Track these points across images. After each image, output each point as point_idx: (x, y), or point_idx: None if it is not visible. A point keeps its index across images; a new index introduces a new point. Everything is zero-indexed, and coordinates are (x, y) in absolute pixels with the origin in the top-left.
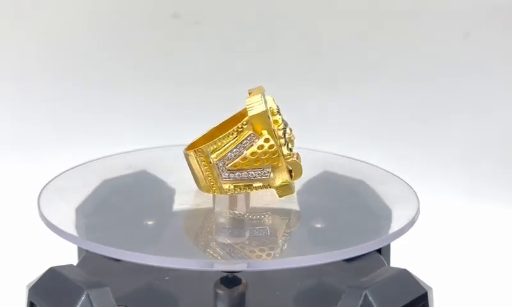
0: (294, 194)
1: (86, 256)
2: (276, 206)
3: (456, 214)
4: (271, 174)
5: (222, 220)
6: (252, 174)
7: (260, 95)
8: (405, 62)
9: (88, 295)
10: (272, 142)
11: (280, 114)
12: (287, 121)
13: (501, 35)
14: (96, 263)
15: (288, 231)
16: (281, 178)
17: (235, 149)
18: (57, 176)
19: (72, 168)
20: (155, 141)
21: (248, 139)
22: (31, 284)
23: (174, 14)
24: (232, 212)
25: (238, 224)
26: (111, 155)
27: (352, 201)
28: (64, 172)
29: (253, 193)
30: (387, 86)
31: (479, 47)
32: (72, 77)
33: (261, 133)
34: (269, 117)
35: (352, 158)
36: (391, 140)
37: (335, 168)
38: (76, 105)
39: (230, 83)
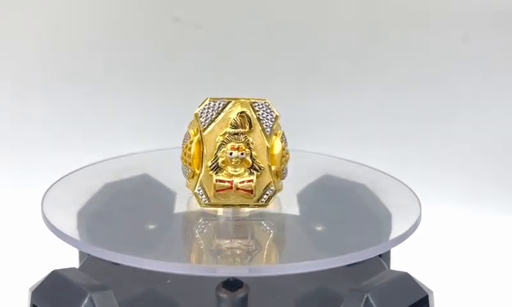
0: (295, 198)
1: (87, 260)
2: (278, 210)
3: (456, 218)
4: (192, 177)
5: (223, 224)
6: (185, 171)
7: (207, 99)
8: (405, 67)
9: (91, 298)
10: (191, 146)
11: (236, 129)
12: (252, 145)
13: (501, 39)
14: (98, 267)
15: (290, 236)
16: (194, 184)
17: (183, 143)
18: (59, 180)
19: (74, 172)
20: (156, 144)
21: (186, 136)
22: (34, 287)
23: (175, 18)
24: (233, 216)
25: (240, 228)
26: (112, 159)
27: (353, 205)
28: (66, 175)
29: None
30: (388, 89)
31: (479, 50)
32: (73, 80)
33: None
34: (201, 122)
35: (353, 162)
36: (391, 144)
37: (336, 172)
38: (77, 109)
39: (231, 85)
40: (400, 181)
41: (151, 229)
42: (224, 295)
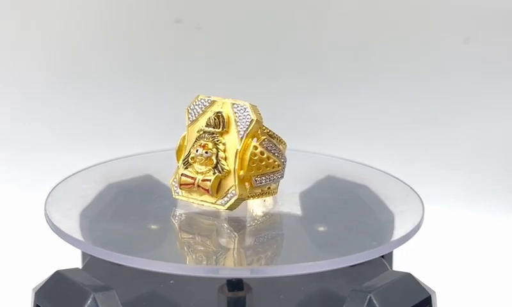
0: (298, 199)
1: (90, 260)
2: (279, 211)
3: (459, 219)
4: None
5: (226, 225)
6: None
7: (198, 96)
8: (406, 68)
9: (94, 299)
10: (178, 140)
11: (210, 127)
12: (219, 147)
13: (501, 39)
14: (101, 267)
15: (292, 236)
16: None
17: None
18: (62, 181)
19: (77, 172)
20: (159, 145)
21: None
22: (37, 288)
23: (176, 19)
24: (235, 217)
25: (242, 229)
26: (115, 159)
27: (356, 206)
28: (69, 177)
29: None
30: (389, 90)
31: (480, 51)
32: (73, 81)
33: None
34: (188, 118)
35: (355, 162)
36: (392, 144)
37: (339, 172)
38: (80, 109)
39: (231, 86)
40: (402, 182)
41: (154, 230)
42: (226, 295)
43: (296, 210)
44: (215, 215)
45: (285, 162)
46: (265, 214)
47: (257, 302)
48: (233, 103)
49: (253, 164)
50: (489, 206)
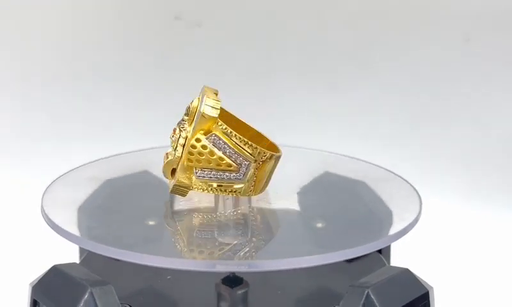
0: (295, 195)
1: (88, 255)
2: (277, 206)
3: (457, 214)
4: None
5: (223, 220)
6: None
7: (203, 86)
8: (406, 66)
9: (91, 293)
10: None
11: (183, 115)
12: (183, 126)
13: (502, 39)
14: (98, 263)
15: (290, 232)
16: None
17: None
18: (60, 176)
19: (75, 168)
20: (157, 141)
21: None
22: (34, 282)
23: (176, 17)
24: (233, 212)
25: (239, 224)
26: (113, 156)
27: (353, 202)
28: (67, 172)
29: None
30: (389, 88)
31: (480, 50)
32: (74, 78)
33: None
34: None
35: (353, 158)
36: (391, 140)
37: (337, 168)
38: (78, 106)
39: (230, 83)
40: (400, 177)
41: (151, 225)
42: (224, 291)
43: (294, 205)
44: (212, 210)
45: (248, 165)
46: (263, 210)
47: (255, 298)
48: (203, 95)
49: (192, 155)
50: (488, 201)
